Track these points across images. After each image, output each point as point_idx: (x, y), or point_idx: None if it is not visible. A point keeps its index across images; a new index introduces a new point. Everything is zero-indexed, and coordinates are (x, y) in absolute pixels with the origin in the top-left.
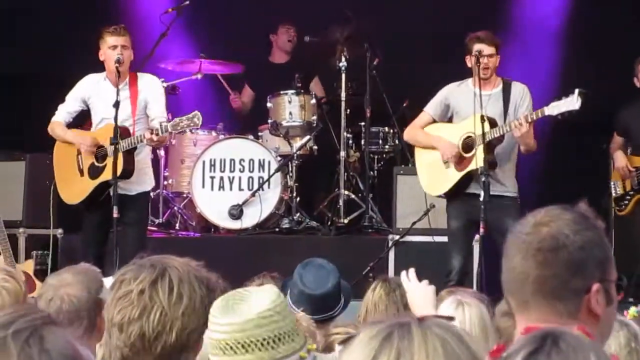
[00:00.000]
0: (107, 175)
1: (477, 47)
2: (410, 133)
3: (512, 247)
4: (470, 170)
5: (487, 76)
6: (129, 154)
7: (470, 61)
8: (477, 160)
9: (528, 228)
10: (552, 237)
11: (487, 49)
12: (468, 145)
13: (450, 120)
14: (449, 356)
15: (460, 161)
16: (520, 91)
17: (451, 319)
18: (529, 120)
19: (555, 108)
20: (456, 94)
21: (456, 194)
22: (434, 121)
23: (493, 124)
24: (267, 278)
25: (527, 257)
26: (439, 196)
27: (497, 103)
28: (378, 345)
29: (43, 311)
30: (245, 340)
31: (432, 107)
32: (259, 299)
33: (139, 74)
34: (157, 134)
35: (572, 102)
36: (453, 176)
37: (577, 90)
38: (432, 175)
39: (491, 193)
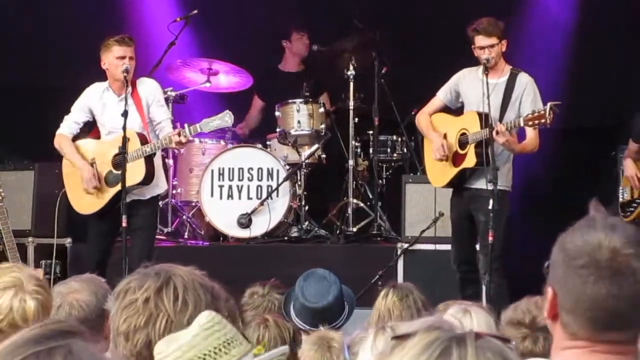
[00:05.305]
0: (127, 181)
1: (477, 39)
2: (419, 118)
3: (598, 272)
4: (464, 168)
5: (491, 64)
6: (149, 158)
7: (475, 51)
8: (468, 160)
9: (607, 254)
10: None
11: (486, 41)
12: (462, 142)
13: (462, 106)
14: None
15: (456, 157)
16: (524, 84)
17: (508, 340)
18: (509, 128)
19: (528, 121)
20: (466, 80)
21: (454, 187)
22: (446, 106)
23: (487, 122)
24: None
25: (627, 284)
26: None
27: (499, 94)
28: (435, 358)
29: (72, 325)
30: (199, 355)
31: (443, 92)
32: (194, 323)
33: (137, 81)
34: (185, 136)
35: (544, 116)
36: (450, 171)
37: (548, 104)
38: (434, 167)
39: (472, 186)
